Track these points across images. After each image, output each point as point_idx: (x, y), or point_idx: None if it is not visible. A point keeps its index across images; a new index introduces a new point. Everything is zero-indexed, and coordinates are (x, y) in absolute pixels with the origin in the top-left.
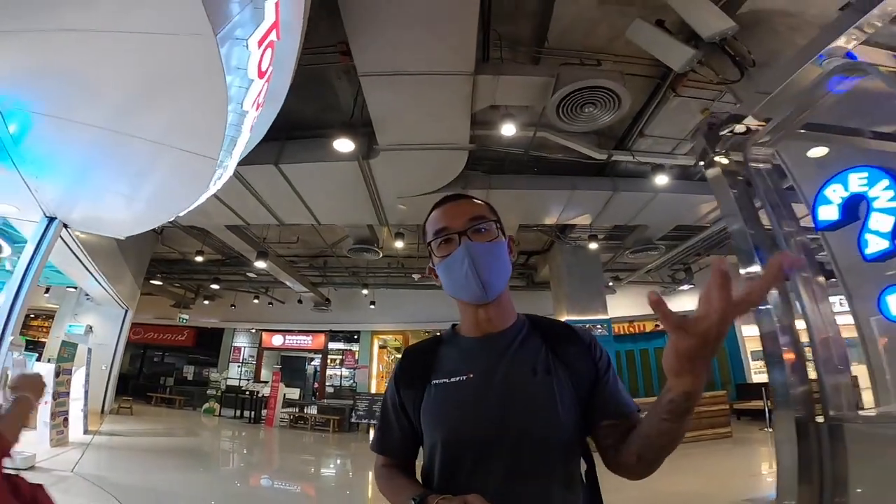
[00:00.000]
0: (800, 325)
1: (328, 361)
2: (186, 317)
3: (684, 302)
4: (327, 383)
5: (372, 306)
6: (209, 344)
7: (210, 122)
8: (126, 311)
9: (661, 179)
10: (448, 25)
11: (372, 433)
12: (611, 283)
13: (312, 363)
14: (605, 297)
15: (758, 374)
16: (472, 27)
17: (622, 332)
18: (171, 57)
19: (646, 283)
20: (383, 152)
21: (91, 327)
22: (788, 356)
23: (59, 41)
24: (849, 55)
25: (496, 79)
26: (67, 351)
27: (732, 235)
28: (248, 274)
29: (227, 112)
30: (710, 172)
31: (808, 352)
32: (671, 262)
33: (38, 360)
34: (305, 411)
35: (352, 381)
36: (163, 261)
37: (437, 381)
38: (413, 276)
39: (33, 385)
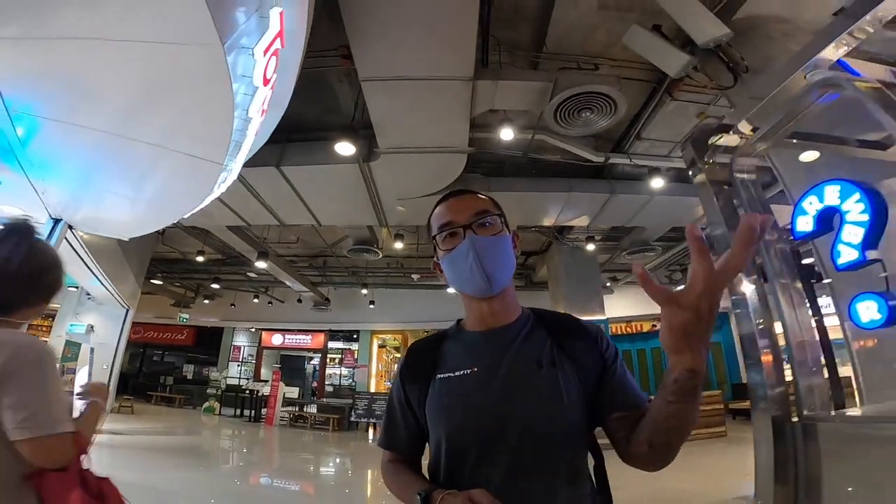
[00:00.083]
0: (778, 328)
1: (328, 360)
2: (186, 316)
3: None
4: (327, 382)
5: (371, 306)
6: (209, 343)
7: (216, 128)
8: (127, 311)
9: (658, 182)
10: (448, 31)
11: (372, 432)
12: (608, 284)
13: (312, 362)
14: (603, 297)
15: None
16: (472, 32)
17: (619, 333)
18: (180, 65)
19: None
20: (384, 155)
21: (92, 327)
22: (766, 358)
23: (67, 49)
24: (840, 63)
25: (495, 84)
26: (71, 350)
27: (715, 241)
28: (248, 273)
29: (234, 118)
30: (698, 180)
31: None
32: (668, 263)
33: None
34: (305, 410)
35: (351, 380)
36: (163, 260)
37: (441, 376)
38: (412, 276)
39: (100, 391)
